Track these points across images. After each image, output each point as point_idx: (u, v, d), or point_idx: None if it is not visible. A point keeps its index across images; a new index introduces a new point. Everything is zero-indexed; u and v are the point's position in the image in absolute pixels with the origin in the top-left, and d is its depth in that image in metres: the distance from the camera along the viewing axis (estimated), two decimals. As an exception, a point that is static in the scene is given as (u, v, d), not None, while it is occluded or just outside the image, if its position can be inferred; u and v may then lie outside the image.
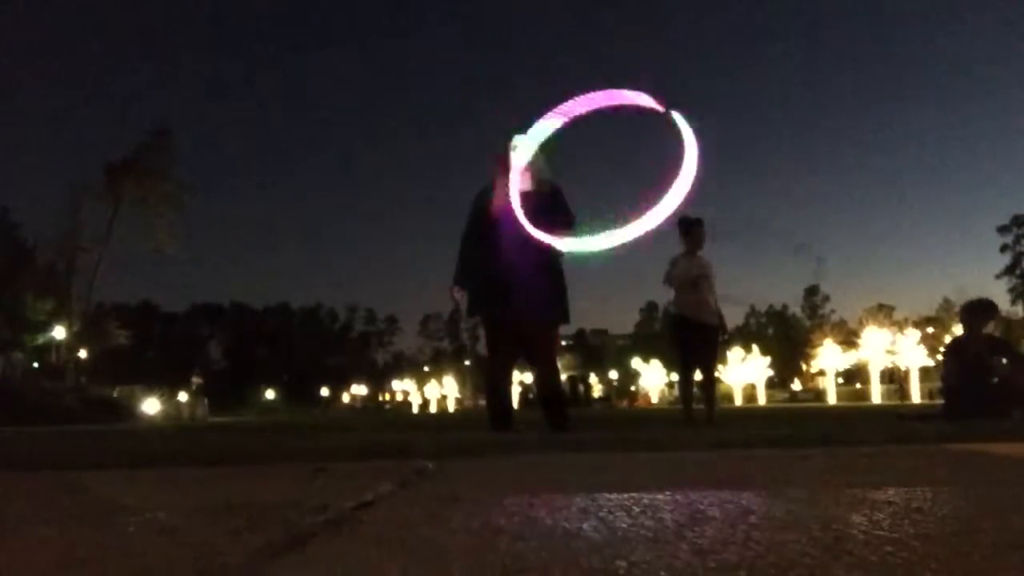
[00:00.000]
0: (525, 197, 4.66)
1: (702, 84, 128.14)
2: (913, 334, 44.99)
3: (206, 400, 43.86)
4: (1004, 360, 6.35)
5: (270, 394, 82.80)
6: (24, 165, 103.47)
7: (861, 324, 54.56)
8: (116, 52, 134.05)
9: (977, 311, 6.52)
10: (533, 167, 4.76)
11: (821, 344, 52.55)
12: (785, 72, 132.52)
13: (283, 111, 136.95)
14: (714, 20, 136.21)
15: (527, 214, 4.52)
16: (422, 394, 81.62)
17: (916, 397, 38.55)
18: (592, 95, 4.45)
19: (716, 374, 6.81)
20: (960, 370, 6.32)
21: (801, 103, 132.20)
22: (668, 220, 4.32)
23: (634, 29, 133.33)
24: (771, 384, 58.45)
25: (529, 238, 4.53)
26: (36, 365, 38.23)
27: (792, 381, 69.29)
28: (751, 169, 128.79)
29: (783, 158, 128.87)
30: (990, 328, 6.67)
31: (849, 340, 52.32)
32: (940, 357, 8.42)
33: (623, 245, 4.26)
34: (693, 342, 6.38)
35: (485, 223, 4.67)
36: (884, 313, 60.34)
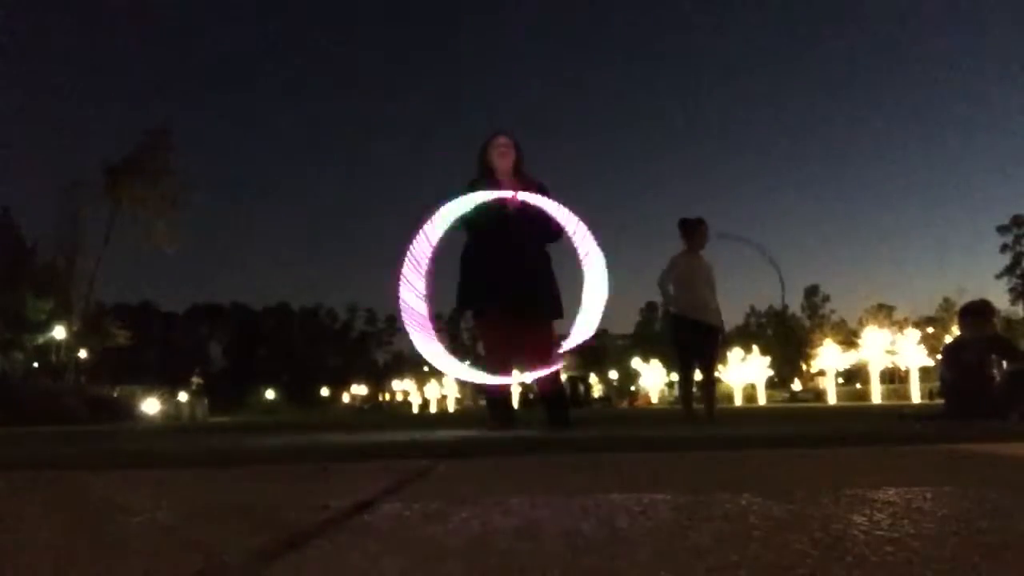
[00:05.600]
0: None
1: (701, 81, 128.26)
2: (913, 334, 44.97)
3: (206, 400, 43.82)
4: (1004, 359, 6.35)
5: (270, 394, 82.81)
6: (24, 165, 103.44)
7: (861, 324, 54.58)
8: (116, 52, 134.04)
9: (975, 314, 6.52)
10: (517, 165, 4.78)
11: (821, 344, 52.54)
12: (784, 72, 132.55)
13: (283, 111, 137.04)
14: (716, 17, 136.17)
15: (517, 213, 4.54)
16: (422, 394, 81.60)
17: (916, 397, 38.54)
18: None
19: (716, 374, 6.80)
20: (960, 370, 6.32)
21: (801, 103, 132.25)
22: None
23: (626, 32, 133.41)
24: (771, 384, 58.44)
25: (522, 235, 4.55)
26: (36, 365, 38.21)
27: (792, 381, 69.28)
28: (751, 169, 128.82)
29: (783, 158, 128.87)
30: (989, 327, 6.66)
31: (849, 340, 52.30)
32: (940, 357, 8.42)
33: None
34: (693, 342, 6.38)
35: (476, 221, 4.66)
36: (884, 313, 60.36)
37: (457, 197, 4.49)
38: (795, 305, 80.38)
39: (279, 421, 15.72)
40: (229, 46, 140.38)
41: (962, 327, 6.66)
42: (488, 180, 4.75)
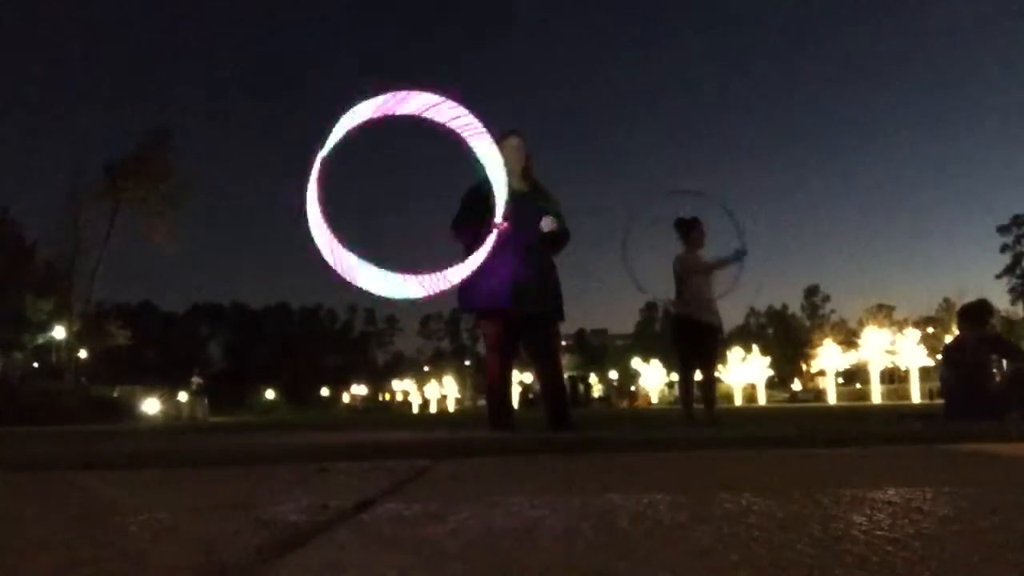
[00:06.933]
0: (516, 197, 4.66)
1: (701, 80, 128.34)
2: (913, 334, 45.00)
3: (206, 400, 43.85)
4: (1004, 359, 6.36)
5: (270, 394, 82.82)
6: (24, 165, 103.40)
7: (861, 324, 54.62)
8: (117, 52, 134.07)
9: (974, 314, 6.54)
10: (527, 167, 4.78)
11: (821, 344, 52.57)
12: (785, 70, 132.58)
13: (283, 111, 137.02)
14: (714, 16, 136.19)
15: (519, 214, 4.53)
16: (422, 394, 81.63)
17: (916, 397, 38.55)
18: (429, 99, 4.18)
19: (716, 374, 6.81)
20: (959, 370, 6.32)
21: (801, 102, 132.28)
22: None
23: (628, 27, 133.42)
24: (771, 384, 58.45)
25: (526, 236, 4.53)
26: (36, 365, 38.22)
27: (792, 381, 69.29)
28: (750, 169, 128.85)
29: (782, 158, 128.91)
30: (989, 327, 6.67)
31: (849, 340, 52.34)
32: (940, 357, 8.41)
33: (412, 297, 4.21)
34: (693, 342, 6.39)
35: (480, 221, 4.64)
36: (884, 313, 60.40)
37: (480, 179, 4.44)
38: (795, 305, 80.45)
39: (279, 421, 15.73)
40: (230, 46, 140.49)
41: (961, 327, 6.67)
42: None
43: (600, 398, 66.44)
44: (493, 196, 4.49)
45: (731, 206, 6.58)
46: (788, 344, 69.62)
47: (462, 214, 4.76)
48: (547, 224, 4.67)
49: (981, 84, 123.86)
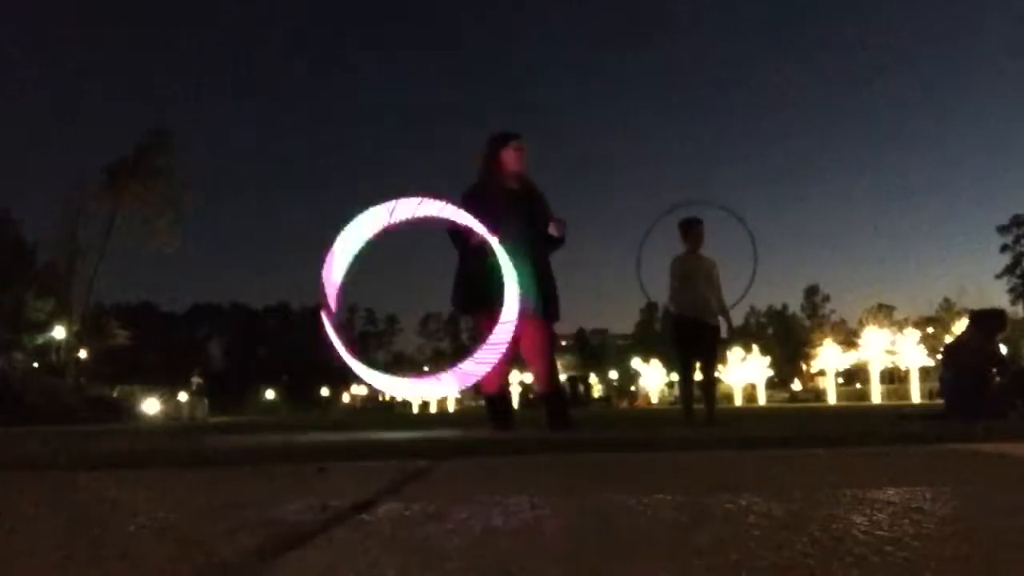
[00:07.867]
0: (514, 198, 4.67)
1: (702, 80, 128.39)
2: (913, 334, 44.99)
3: (206, 400, 43.89)
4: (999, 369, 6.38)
5: (270, 394, 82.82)
6: (24, 165, 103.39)
7: (861, 324, 54.64)
8: (117, 52, 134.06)
9: (985, 322, 6.54)
10: (523, 169, 4.79)
11: (821, 344, 52.57)
12: (785, 71, 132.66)
13: (283, 111, 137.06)
14: (715, 16, 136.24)
15: (516, 215, 4.54)
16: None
17: (916, 397, 38.55)
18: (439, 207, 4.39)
19: (716, 374, 6.80)
20: (959, 371, 6.33)
21: (801, 102, 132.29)
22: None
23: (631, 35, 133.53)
24: (771, 384, 58.43)
25: (521, 237, 4.54)
26: (36, 365, 38.20)
27: (792, 381, 69.27)
28: (751, 169, 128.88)
29: (783, 158, 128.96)
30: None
31: (849, 340, 52.33)
32: (940, 357, 8.41)
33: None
34: (693, 342, 6.38)
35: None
36: (884, 313, 60.40)
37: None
38: (795, 305, 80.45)
39: (279, 421, 15.72)
40: (229, 45, 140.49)
41: (969, 328, 6.65)
42: (494, 180, 4.77)
43: (600, 398, 66.37)
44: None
45: (742, 214, 6.80)
46: (788, 344, 69.60)
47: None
48: (554, 230, 4.70)
49: (981, 84, 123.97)
